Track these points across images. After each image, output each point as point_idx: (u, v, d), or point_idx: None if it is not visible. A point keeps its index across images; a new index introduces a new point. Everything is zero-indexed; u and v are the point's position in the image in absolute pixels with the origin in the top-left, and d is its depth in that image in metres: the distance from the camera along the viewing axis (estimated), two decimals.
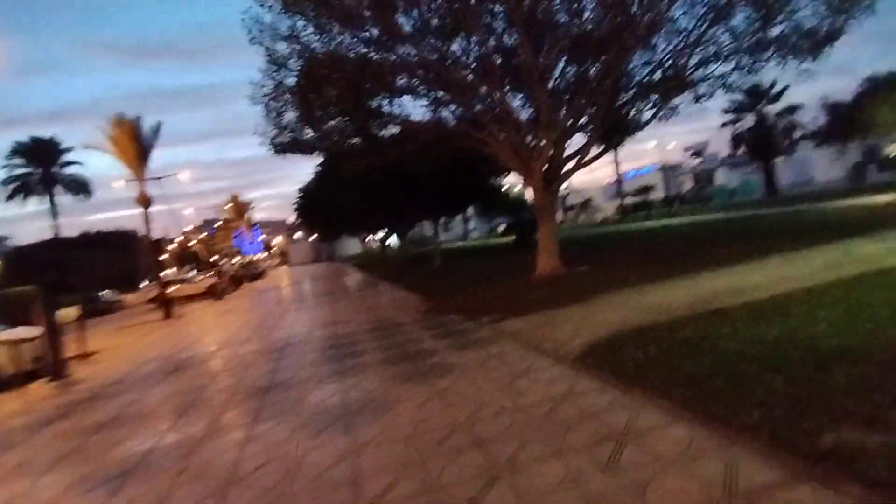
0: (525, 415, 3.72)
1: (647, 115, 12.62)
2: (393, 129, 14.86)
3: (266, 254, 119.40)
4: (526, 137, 11.47)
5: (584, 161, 11.27)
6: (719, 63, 11.63)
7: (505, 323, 7.27)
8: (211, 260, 70.72)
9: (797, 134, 32.39)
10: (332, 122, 12.32)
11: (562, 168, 11.51)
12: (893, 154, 38.39)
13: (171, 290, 28.74)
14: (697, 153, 69.00)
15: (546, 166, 11.03)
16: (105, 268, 49.47)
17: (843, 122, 26.19)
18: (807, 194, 28.90)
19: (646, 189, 41.66)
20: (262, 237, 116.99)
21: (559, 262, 11.73)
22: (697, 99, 13.23)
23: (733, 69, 11.74)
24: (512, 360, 5.25)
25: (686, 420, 3.22)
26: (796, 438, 2.72)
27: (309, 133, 11.69)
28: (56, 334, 9.15)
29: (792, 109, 31.88)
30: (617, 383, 4.09)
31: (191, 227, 71.43)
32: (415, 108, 14.32)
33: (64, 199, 45.32)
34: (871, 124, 22.92)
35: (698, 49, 11.23)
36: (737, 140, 34.08)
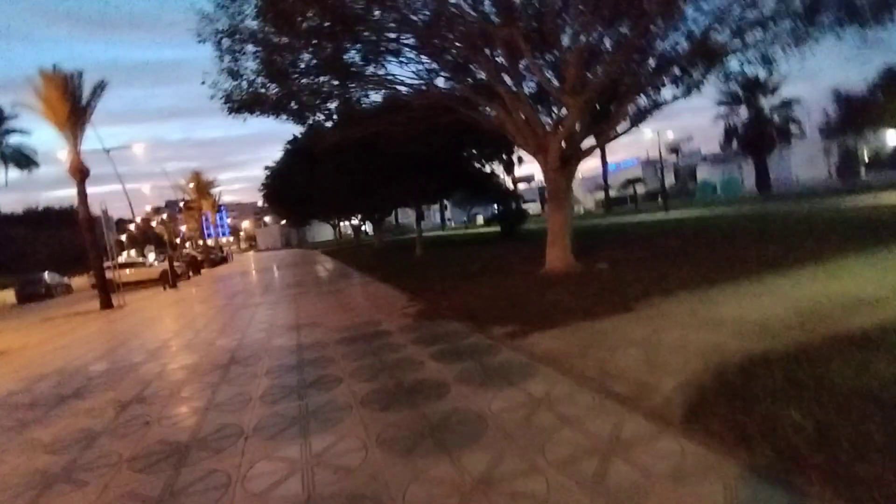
0: None
1: (667, 91, 10.87)
2: (375, 96, 12.75)
3: (232, 237, 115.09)
4: (540, 107, 9.55)
5: (610, 136, 9.40)
6: (759, 32, 9.93)
7: (532, 339, 5.37)
8: (175, 241, 66.68)
9: (794, 128, 31.44)
10: (304, 80, 10.11)
11: (581, 144, 9.63)
12: (873, 154, 38.18)
13: (119, 274, 25.98)
14: (675, 150, 68.68)
15: (565, 142, 9.12)
16: (53, 247, 45.55)
17: (856, 113, 25.17)
18: (803, 192, 27.95)
19: (634, 182, 40.33)
20: (228, 220, 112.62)
21: (572, 257, 9.92)
22: (727, 77, 11.56)
23: (776, 39, 10.05)
24: (576, 414, 3.34)
25: None
26: None
27: (274, 90, 9.46)
28: None
29: (789, 103, 30.91)
30: (824, 495, 2.22)
31: (149, 208, 67.34)
32: (403, 71, 12.15)
33: (12, 174, 41.14)
34: (888, 116, 21.89)
35: (735, 13, 9.47)
36: (729, 134, 33.00)
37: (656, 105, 10.88)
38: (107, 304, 15.29)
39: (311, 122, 10.98)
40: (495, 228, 34.85)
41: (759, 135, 30.63)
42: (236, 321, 9.63)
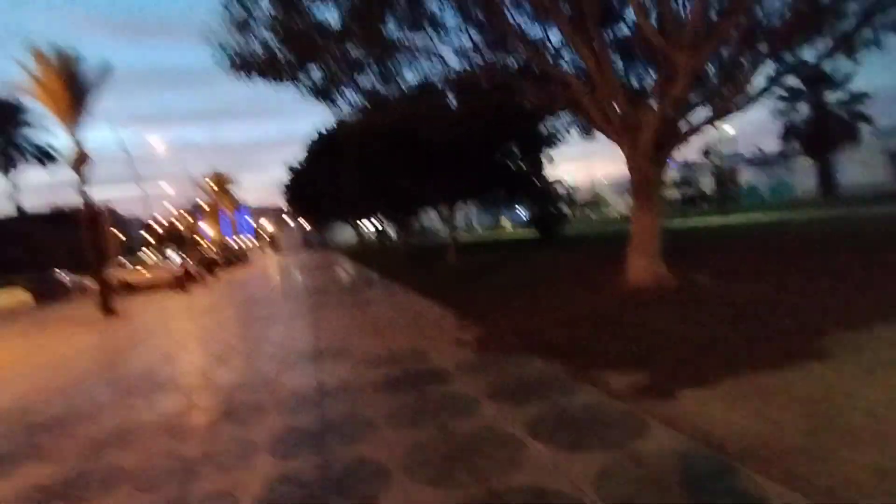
0: None
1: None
2: (412, 75, 10.85)
3: (255, 238, 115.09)
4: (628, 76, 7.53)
5: (726, 110, 7.25)
6: None
7: (689, 403, 3.35)
8: (201, 241, 65.95)
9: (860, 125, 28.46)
10: (330, 49, 8.24)
11: (679, 123, 7.54)
12: None
13: (132, 276, 24.67)
14: (706, 152, 65.40)
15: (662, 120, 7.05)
16: (77, 247, 44.96)
17: None
18: (873, 196, 25.06)
19: (684, 184, 37.50)
20: (251, 220, 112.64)
21: (664, 267, 7.85)
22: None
23: None
24: None
25: None
26: None
27: (292, 55, 7.60)
28: None
29: (858, 97, 27.99)
30: None
31: (173, 207, 66.98)
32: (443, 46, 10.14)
33: (43, 175, 40.77)
34: None
35: None
36: (789, 132, 30.14)
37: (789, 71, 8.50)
38: (107, 311, 13.71)
39: (337, 100, 9.13)
40: (525, 232, 32.67)
41: (823, 133, 27.83)
42: (243, 342, 7.80)
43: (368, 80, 9.31)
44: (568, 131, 13.60)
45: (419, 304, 9.39)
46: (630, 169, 7.86)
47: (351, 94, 9.37)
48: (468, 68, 9.50)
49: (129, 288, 23.68)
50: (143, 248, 65.54)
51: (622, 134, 7.62)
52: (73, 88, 12.87)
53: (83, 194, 13.42)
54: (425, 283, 12.14)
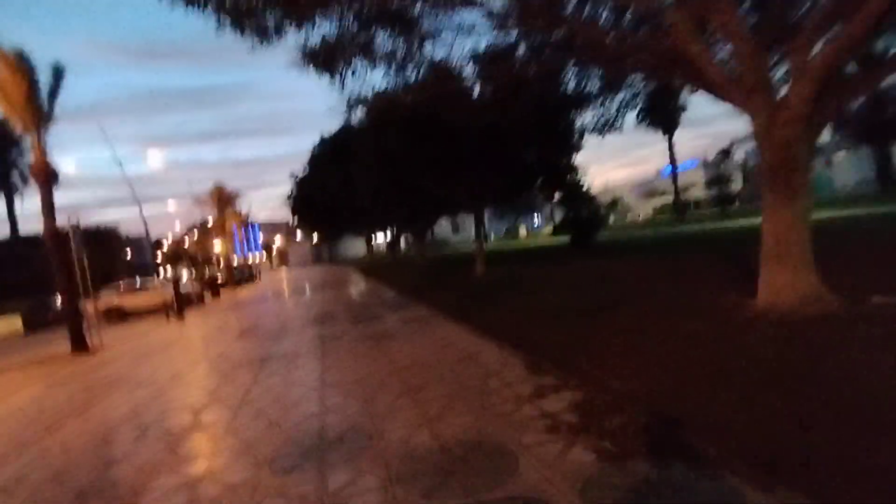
0: None
1: None
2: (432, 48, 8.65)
3: (265, 254, 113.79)
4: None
5: None
6: None
7: None
8: (216, 259, 64.16)
9: None
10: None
11: (842, 68, 5.24)
12: None
13: (124, 300, 22.65)
14: (725, 152, 62.92)
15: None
16: (82, 269, 43.28)
17: None
18: None
19: (725, 181, 34.82)
20: (261, 237, 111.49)
21: (818, 282, 5.49)
22: None
23: None
24: None
25: None
26: None
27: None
28: None
29: None
30: None
31: (182, 226, 65.67)
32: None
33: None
34: None
35: None
36: (841, 120, 27.46)
37: None
38: (79, 346, 11.57)
39: (343, 71, 6.93)
40: (550, 239, 30.32)
41: (882, 120, 25.17)
42: (219, 409, 5.53)
43: (382, 44, 7.09)
44: (621, 116, 11.31)
45: (460, 338, 7.06)
46: (762, 144, 5.52)
47: (360, 64, 7.15)
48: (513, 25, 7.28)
49: (121, 314, 21.68)
50: (153, 269, 64.05)
51: (755, 94, 5.30)
52: (30, 89, 10.85)
53: (46, 213, 11.33)
54: (457, 305, 9.84)
